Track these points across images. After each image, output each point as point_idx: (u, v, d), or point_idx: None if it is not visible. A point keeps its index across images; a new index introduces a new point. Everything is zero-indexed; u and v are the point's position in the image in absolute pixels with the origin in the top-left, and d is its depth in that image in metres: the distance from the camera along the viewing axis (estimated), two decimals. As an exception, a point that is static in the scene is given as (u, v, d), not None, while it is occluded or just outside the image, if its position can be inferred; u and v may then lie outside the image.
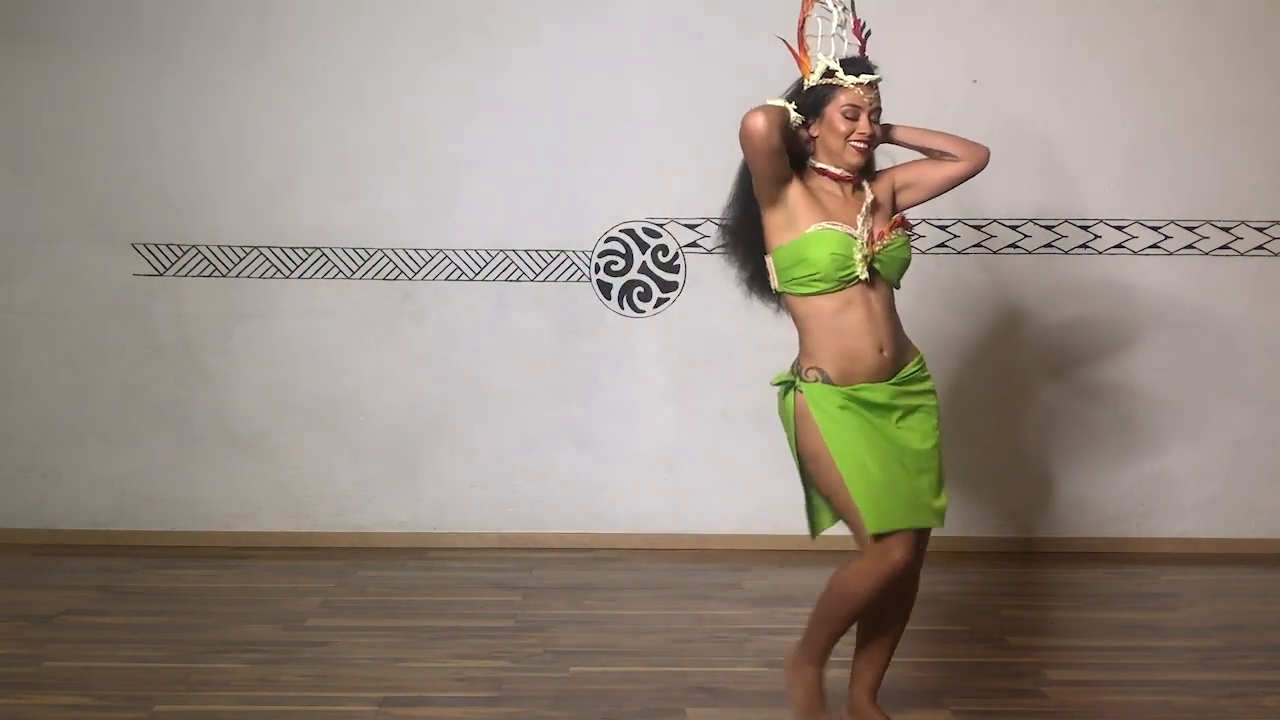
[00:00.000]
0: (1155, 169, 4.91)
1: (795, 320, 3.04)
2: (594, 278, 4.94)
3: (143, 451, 4.97)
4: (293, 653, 3.74)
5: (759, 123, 2.84)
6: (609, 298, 4.93)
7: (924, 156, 3.13)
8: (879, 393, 2.94)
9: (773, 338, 4.92)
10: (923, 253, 4.89)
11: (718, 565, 4.74)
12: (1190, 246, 4.94)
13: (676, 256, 4.89)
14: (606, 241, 4.92)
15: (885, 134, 3.08)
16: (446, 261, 4.93)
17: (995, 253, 4.92)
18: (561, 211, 4.92)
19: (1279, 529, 5.00)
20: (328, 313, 4.94)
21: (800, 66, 3.02)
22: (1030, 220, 4.92)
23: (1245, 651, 3.82)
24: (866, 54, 3.06)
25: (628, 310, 4.93)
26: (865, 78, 2.94)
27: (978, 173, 3.13)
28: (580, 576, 4.59)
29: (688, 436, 4.96)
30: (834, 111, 2.95)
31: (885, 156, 3.16)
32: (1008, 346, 4.94)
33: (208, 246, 4.92)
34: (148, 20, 4.85)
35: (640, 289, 4.93)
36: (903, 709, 3.33)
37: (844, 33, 3.05)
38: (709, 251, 4.86)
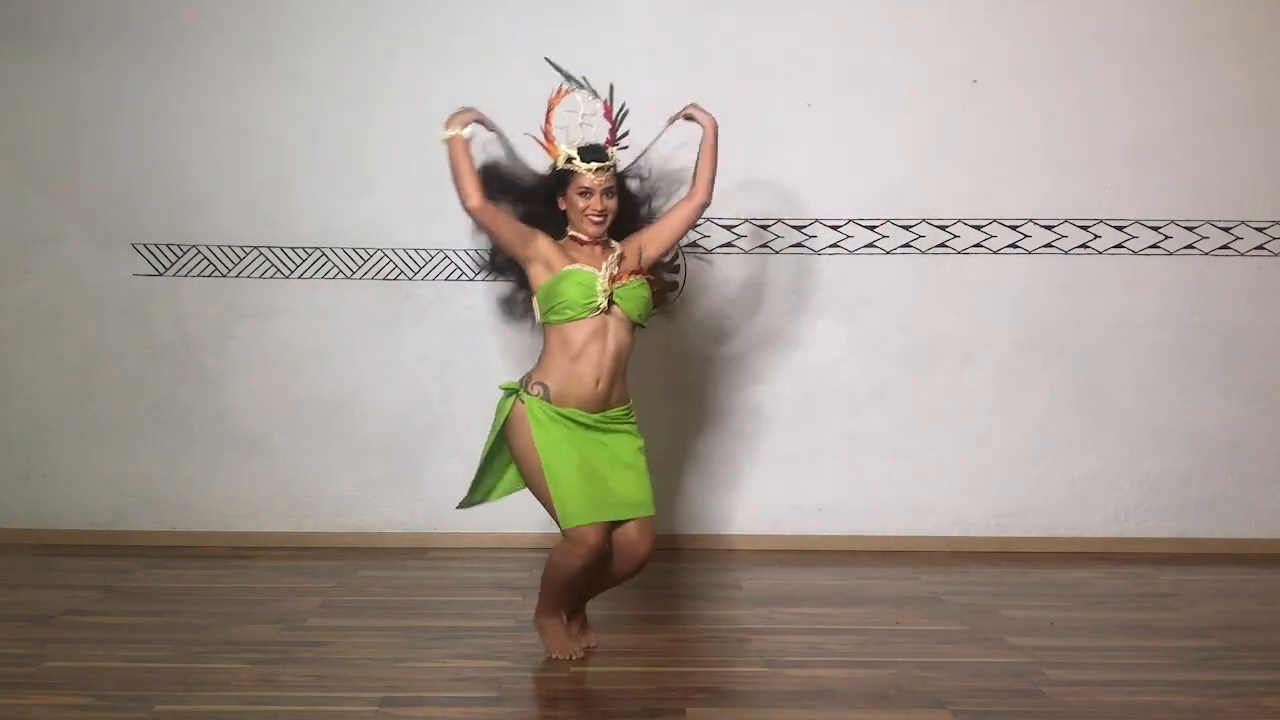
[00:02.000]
0: (1155, 169, 4.91)
1: (545, 344, 3.58)
2: (594, 278, 4.94)
3: (143, 451, 4.97)
4: (293, 653, 3.74)
5: (472, 204, 3.47)
6: (609, 298, 4.93)
7: (668, 209, 3.70)
8: (585, 417, 3.53)
9: (772, 337, 4.94)
10: (922, 253, 4.90)
11: (718, 565, 4.74)
12: (1190, 246, 4.93)
13: (677, 256, 4.89)
14: (606, 241, 4.92)
15: (693, 116, 3.66)
16: (446, 261, 4.93)
17: (995, 253, 4.92)
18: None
19: (1279, 529, 5.01)
20: (328, 313, 4.94)
21: (549, 152, 3.59)
22: (1030, 220, 4.92)
23: (1245, 651, 3.81)
24: (620, 131, 3.62)
25: (628, 310, 4.93)
26: (595, 165, 3.52)
27: (700, 210, 3.66)
28: (580, 576, 4.58)
29: (687, 436, 4.96)
30: (573, 192, 3.54)
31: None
32: (1005, 343, 4.94)
33: (208, 246, 4.92)
34: (148, 20, 4.85)
35: (640, 289, 4.93)
36: (903, 709, 3.33)
37: (593, 119, 3.61)
38: (709, 252, 4.86)
